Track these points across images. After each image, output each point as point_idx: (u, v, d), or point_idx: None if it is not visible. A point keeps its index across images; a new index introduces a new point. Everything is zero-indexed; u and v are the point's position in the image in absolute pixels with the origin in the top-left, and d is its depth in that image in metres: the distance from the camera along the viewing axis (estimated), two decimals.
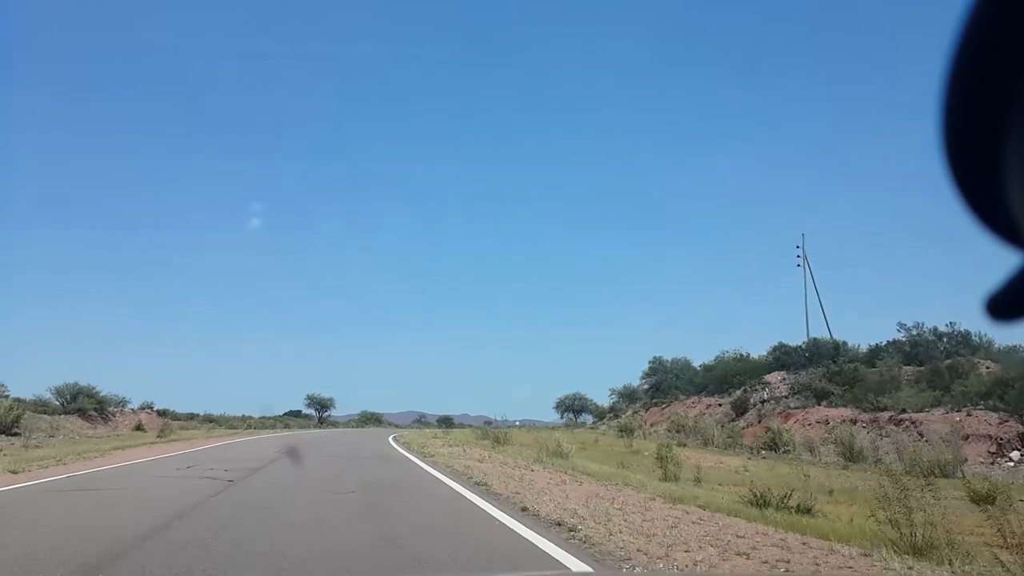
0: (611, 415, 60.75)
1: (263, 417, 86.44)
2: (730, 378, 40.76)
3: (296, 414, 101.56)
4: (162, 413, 70.96)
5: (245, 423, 76.23)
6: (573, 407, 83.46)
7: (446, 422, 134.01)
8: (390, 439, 32.94)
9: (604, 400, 68.38)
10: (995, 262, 0.86)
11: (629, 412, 53.79)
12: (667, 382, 50.03)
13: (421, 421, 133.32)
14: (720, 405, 38.09)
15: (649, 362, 51.99)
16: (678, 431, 37.64)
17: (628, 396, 59.72)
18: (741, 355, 46.63)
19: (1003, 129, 0.78)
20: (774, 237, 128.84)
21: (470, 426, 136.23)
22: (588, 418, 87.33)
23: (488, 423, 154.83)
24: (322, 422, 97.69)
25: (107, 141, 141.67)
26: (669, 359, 51.27)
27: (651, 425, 43.91)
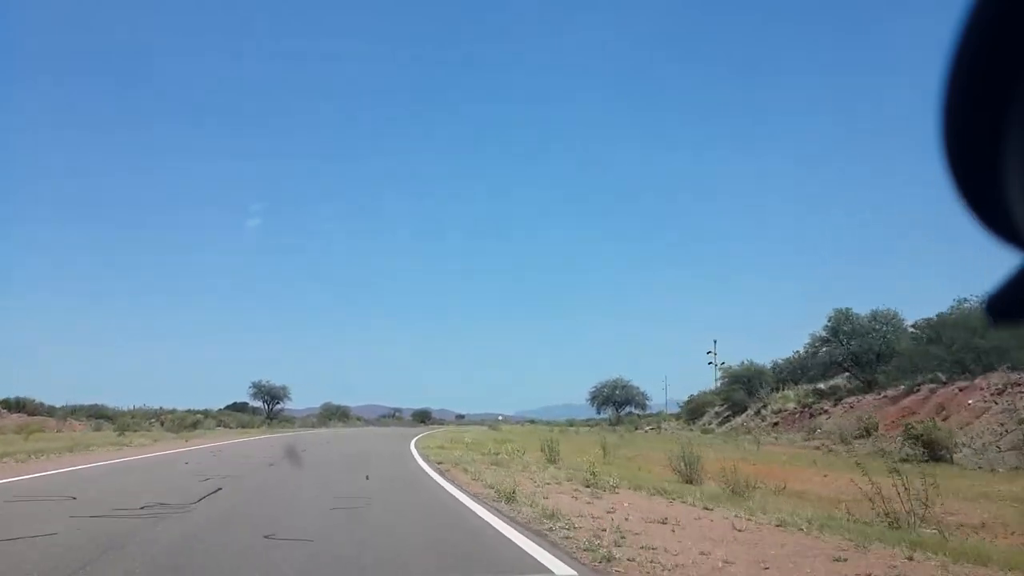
0: (725, 408, 39.00)
1: (190, 411, 63.02)
2: None
3: (240, 407, 78.71)
4: (15, 404, 47.04)
5: (159, 420, 52.89)
6: (614, 399, 61.81)
7: (423, 417, 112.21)
8: (425, 466, 11.06)
9: (654, 387, 46.55)
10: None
11: (786, 403, 32.03)
12: (870, 350, 28.53)
13: (395, 416, 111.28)
14: None
15: (828, 319, 30.43)
16: None
17: (750, 380, 38.03)
18: None
19: (1003, 129, 0.77)
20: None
21: (444, 422, 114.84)
22: (629, 411, 65.90)
23: (460, 417, 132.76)
24: (272, 418, 74.73)
25: None
26: (863, 314, 29.79)
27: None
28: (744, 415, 35.62)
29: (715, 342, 64.07)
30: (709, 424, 38.05)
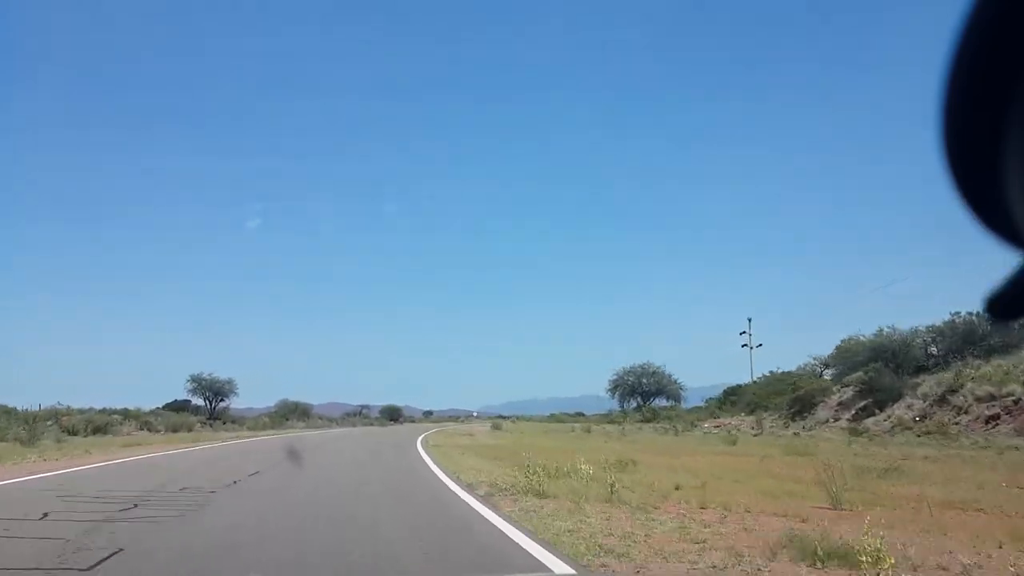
0: (855, 395, 27.51)
1: (104, 411, 49.27)
2: None
3: (181, 407, 65.01)
4: None
5: (59, 423, 39.44)
6: (642, 389, 50.13)
7: (393, 415, 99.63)
8: None
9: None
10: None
11: (1005, 385, 20.72)
12: None
13: (362, 415, 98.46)
14: None
15: None
16: None
17: (895, 354, 26.62)
18: None
19: (1003, 129, 0.77)
20: None
21: (414, 419, 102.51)
22: (661, 402, 54.54)
23: (428, 414, 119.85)
24: (215, 418, 61.46)
25: None
26: None
27: None
28: (899, 405, 24.30)
29: (750, 320, 53.15)
30: (835, 420, 26.73)
